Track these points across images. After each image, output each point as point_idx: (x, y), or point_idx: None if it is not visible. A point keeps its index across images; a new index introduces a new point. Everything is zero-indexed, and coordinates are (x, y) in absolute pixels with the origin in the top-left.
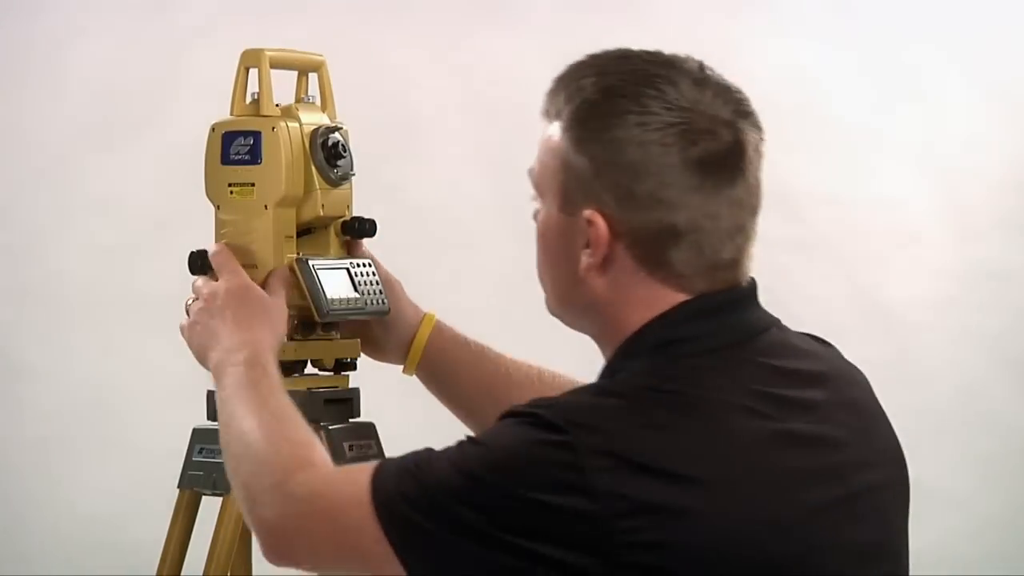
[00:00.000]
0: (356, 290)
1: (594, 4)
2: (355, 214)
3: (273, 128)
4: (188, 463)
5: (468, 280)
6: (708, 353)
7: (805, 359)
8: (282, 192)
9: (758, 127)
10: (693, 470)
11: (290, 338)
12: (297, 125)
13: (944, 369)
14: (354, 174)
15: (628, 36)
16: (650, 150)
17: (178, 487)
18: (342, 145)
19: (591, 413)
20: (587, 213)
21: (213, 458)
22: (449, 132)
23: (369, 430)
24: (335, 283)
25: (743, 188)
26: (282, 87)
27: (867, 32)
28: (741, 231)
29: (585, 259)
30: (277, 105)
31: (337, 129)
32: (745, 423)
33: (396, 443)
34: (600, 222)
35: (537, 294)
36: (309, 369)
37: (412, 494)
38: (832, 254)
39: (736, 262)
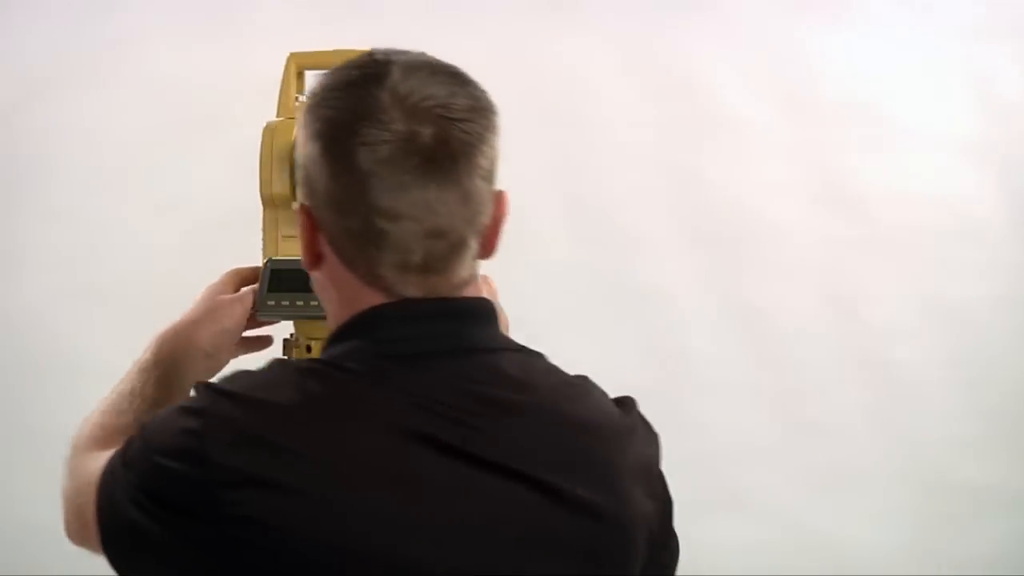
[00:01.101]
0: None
1: (657, 4)
2: None
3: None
4: None
5: (534, 280)
6: (388, 358)
7: (506, 388)
8: (263, 191)
9: (471, 131)
10: (310, 455)
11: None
12: (294, 124)
13: (1011, 368)
14: None
15: (695, 36)
16: (321, 151)
17: None
18: None
19: (241, 384)
20: (295, 206)
21: None
22: (515, 133)
23: None
24: (288, 283)
25: (438, 191)
26: None
27: (931, 31)
28: (442, 236)
29: (303, 251)
30: (297, 104)
31: None
32: (385, 427)
33: None
34: (305, 216)
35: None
36: None
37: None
38: (898, 254)
39: (438, 269)
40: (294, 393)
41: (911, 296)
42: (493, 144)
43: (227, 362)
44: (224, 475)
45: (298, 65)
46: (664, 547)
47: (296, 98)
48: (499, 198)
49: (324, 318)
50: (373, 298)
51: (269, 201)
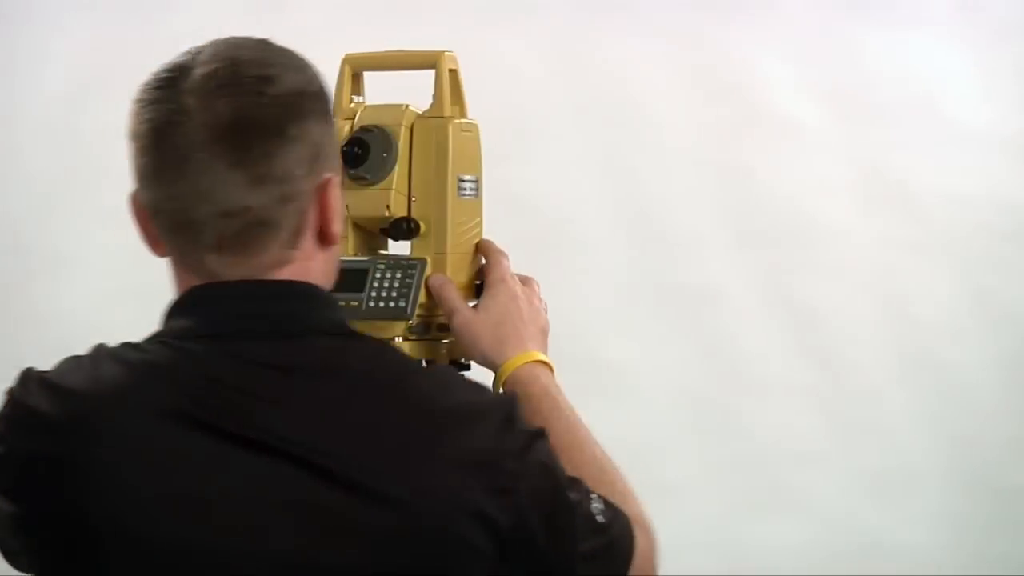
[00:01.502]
0: (362, 290)
1: (706, 3)
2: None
3: None
4: None
5: (582, 281)
6: (183, 339)
7: (295, 371)
8: None
9: (270, 114)
10: (84, 436)
11: (405, 339)
12: (346, 126)
13: None
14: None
15: (744, 36)
16: (129, 132)
17: None
18: (359, 146)
19: (57, 369)
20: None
21: None
22: (564, 133)
23: None
24: (339, 284)
25: (228, 172)
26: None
27: (982, 29)
28: (233, 216)
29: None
30: (352, 105)
31: (368, 131)
32: (158, 408)
33: None
34: (132, 204)
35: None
36: None
37: None
38: (949, 254)
39: (236, 249)
40: (86, 377)
41: (963, 296)
42: (309, 128)
43: None
44: (20, 456)
45: (353, 67)
46: (553, 551)
47: (351, 100)
48: (324, 184)
49: (371, 317)
50: (189, 280)
51: None
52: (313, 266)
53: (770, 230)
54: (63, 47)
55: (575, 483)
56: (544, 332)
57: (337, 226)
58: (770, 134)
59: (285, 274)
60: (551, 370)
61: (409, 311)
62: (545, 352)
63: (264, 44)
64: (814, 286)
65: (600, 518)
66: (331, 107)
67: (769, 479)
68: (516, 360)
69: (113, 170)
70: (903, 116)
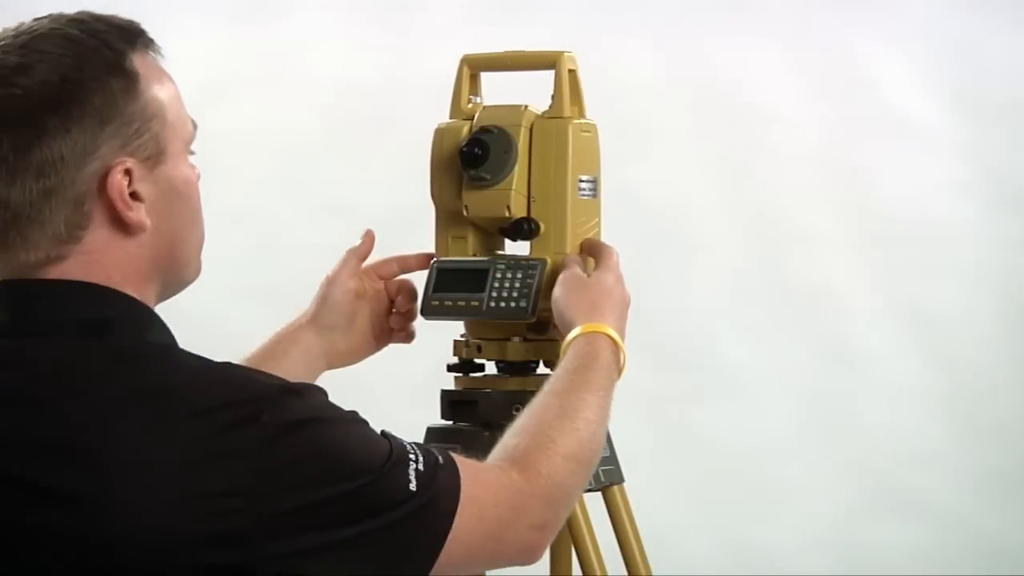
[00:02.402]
0: (483, 290)
1: (831, 2)
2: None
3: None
4: None
5: (699, 281)
6: None
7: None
8: (433, 193)
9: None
10: None
11: (523, 338)
12: (464, 127)
13: None
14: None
15: (862, 35)
16: None
17: None
18: (479, 147)
19: None
20: None
21: None
22: (681, 133)
23: None
24: (455, 283)
25: None
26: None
27: None
28: None
29: None
30: (471, 106)
31: (489, 131)
32: None
33: (627, 445)
34: None
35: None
36: (542, 369)
37: None
38: None
39: None
40: None
41: None
42: (77, 118)
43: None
44: None
45: (471, 67)
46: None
47: (469, 100)
48: (106, 173)
49: (492, 317)
50: None
51: (439, 202)
52: (104, 259)
53: (889, 229)
54: (178, 51)
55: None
56: (624, 306)
57: (134, 214)
58: (890, 133)
59: (57, 271)
60: (619, 350)
61: (530, 311)
62: (621, 334)
63: (32, 32)
64: (933, 286)
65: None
66: (126, 93)
67: (887, 480)
68: (590, 325)
69: (232, 173)
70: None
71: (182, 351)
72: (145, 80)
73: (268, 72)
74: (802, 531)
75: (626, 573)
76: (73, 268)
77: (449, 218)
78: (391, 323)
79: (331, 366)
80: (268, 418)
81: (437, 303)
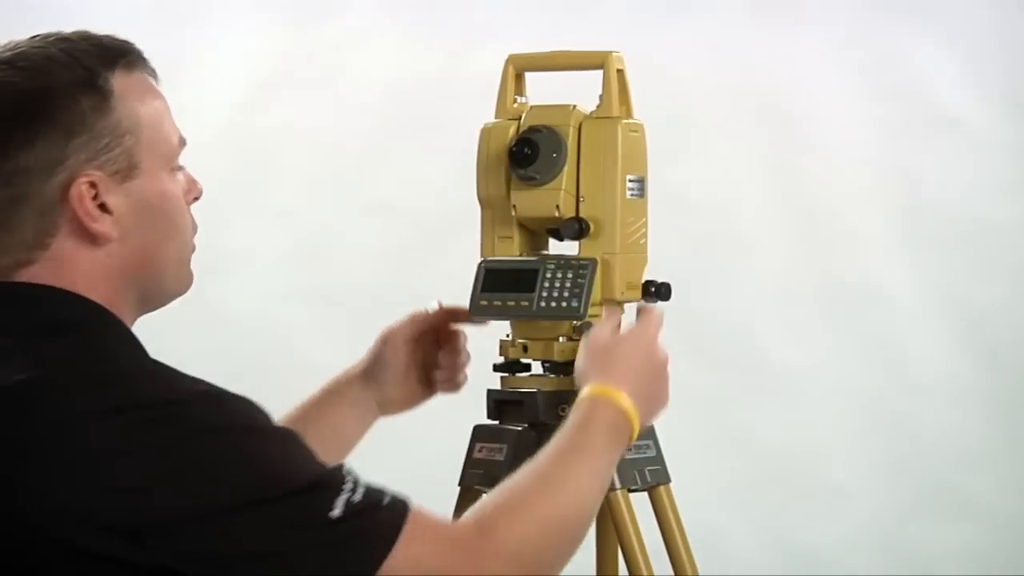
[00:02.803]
0: (533, 290)
1: (876, 3)
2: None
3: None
4: (469, 461)
5: (747, 281)
6: None
7: None
8: (480, 192)
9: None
10: None
11: (569, 338)
12: (511, 126)
13: None
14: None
15: (915, 35)
16: None
17: (459, 484)
18: (529, 146)
19: None
20: None
21: (494, 456)
22: (728, 133)
23: (648, 431)
24: (503, 283)
25: None
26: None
27: None
28: None
29: None
30: (516, 106)
31: (538, 131)
32: None
33: (673, 445)
34: None
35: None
36: None
37: None
38: None
39: None
40: None
41: None
42: (43, 131)
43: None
44: None
45: (517, 67)
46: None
47: (515, 100)
48: (68, 185)
49: (543, 317)
50: None
51: (486, 202)
52: (71, 266)
53: (938, 230)
54: (233, 51)
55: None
56: (650, 398)
57: (98, 225)
58: (939, 133)
59: (28, 275)
60: (628, 421)
61: (582, 311)
62: (634, 406)
63: (17, 49)
64: (982, 286)
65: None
66: (96, 109)
67: (936, 481)
68: (596, 387)
69: (281, 172)
70: None
71: (126, 352)
72: (120, 98)
73: (316, 72)
74: (849, 531)
75: (672, 573)
76: (41, 273)
77: (496, 218)
78: (436, 375)
79: (385, 414)
80: (184, 420)
81: (486, 303)
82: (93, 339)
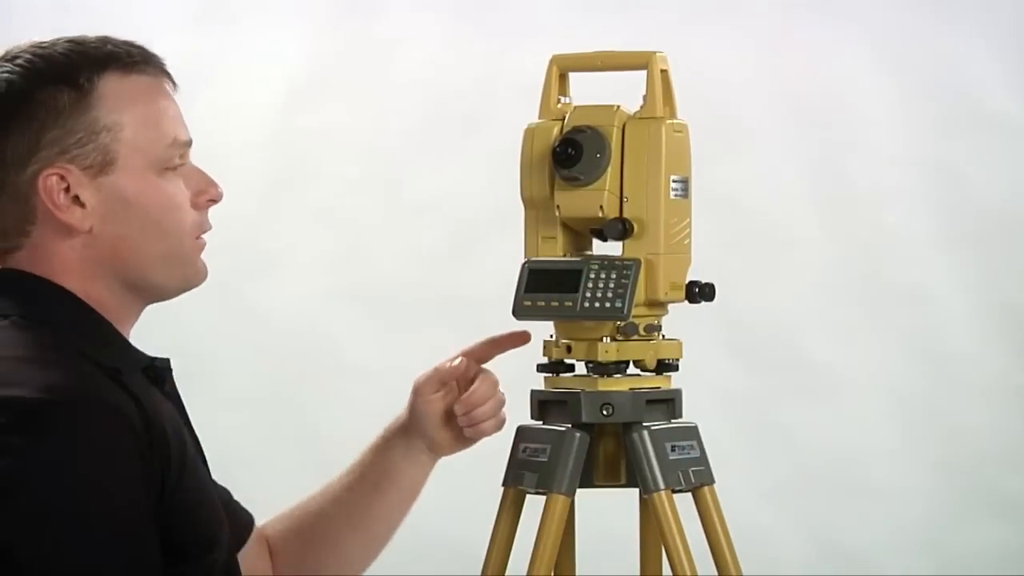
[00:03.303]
0: (577, 291)
1: (920, 1)
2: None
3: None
4: (512, 461)
5: (790, 281)
6: None
7: None
8: (524, 193)
9: None
10: None
11: (613, 338)
12: (555, 126)
13: None
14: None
15: (955, 34)
16: None
17: (503, 485)
18: (573, 147)
19: None
20: None
21: (537, 457)
22: (771, 133)
23: (691, 432)
24: (546, 284)
25: None
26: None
27: None
28: None
29: None
30: (560, 106)
31: (582, 131)
32: None
33: (717, 445)
34: None
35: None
36: (631, 370)
37: None
38: None
39: None
40: None
41: None
42: (17, 125)
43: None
44: None
45: (560, 67)
46: None
47: (558, 100)
48: (35, 177)
49: (587, 318)
50: None
51: (529, 202)
52: (48, 254)
53: (982, 229)
54: (274, 53)
55: None
56: None
57: (68, 216)
58: (981, 130)
59: (12, 260)
60: None
61: (625, 311)
62: None
63: (18, 50)
64: None
65: None
66: (74, 106)
67: (981, 482)
68: None
69: (322, 173)
70: None
71: (45, 332)
72: (100, 97)
73: (358, 73)
74: (893, 532)
75: (716, 574)
76: (23, 259)
77: (539, 218)
78: (459, 422)
79: (441, 455)
80: (18, 456)
81: (529, 303)
82: (30, 316)
